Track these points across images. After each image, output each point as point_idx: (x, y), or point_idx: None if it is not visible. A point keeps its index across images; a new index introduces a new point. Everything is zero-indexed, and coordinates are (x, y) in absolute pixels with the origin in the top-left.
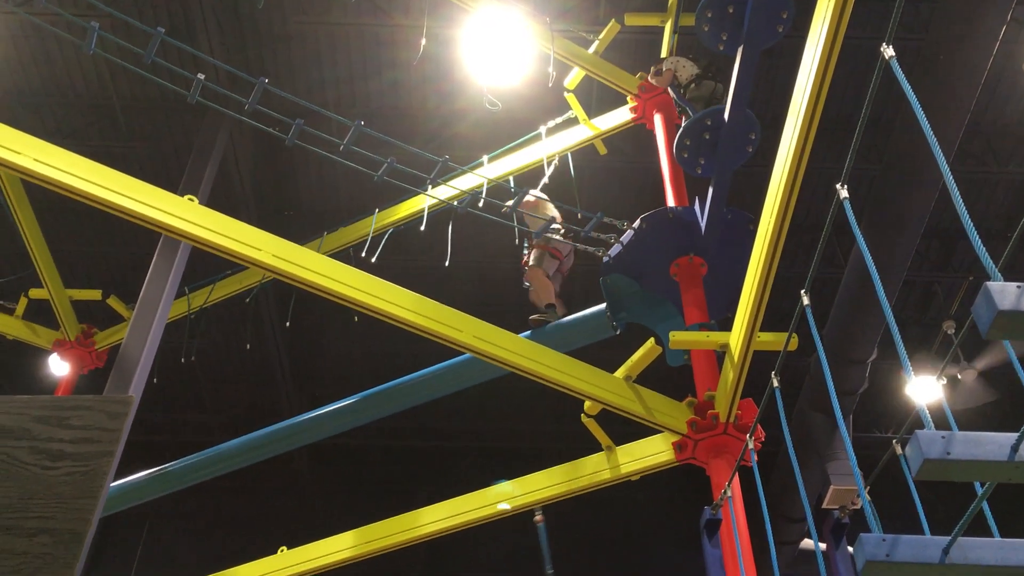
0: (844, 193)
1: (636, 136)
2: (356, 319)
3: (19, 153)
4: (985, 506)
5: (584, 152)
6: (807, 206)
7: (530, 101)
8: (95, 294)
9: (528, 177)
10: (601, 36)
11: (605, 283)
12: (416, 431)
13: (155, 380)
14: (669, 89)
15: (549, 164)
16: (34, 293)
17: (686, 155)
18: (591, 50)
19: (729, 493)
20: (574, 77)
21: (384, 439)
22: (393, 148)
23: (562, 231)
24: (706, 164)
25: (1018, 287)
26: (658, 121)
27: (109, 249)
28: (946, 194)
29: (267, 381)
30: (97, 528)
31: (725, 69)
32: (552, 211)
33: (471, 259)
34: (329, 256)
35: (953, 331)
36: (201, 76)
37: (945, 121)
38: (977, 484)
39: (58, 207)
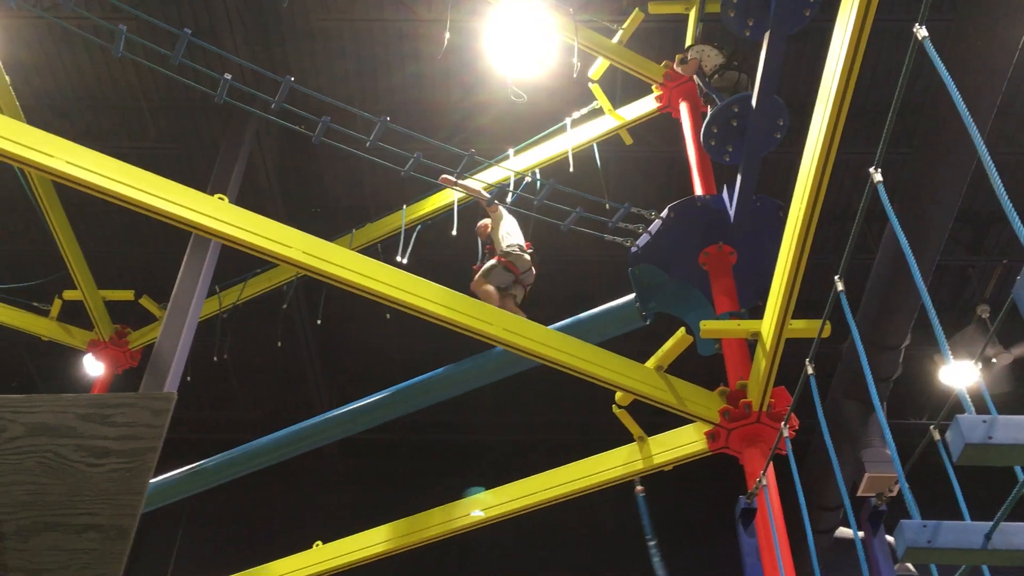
0: (878, 177)
1: (662, 125)
2: (388, 316)
3: (52, 156)
4: None
5: (610, 143)
6: (834, 193)
7: (552, 93)
8: (128, 294)
9: (552, 169)
10: (625, 25)
11: (634, 273)
12: (448, 425)
13: (188, 378)
14: (695, 77)
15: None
16: (68, 295)
17: (714, 143)
18: (615, 40)
19: (764, 482)
20: (599, 67)
21: (416, 433)
22: (418, 143)
23: (527, 253)
24: (734, 151)
25: None
26: (684, 109)
27: (139, 249)
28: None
29: (298, 378)
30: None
31: (750, 58)
32: (507, 224)
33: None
34: (358, 252)
35: (988, 315)
36: (228, 76)
37: (977, 103)
38: (1018, 469)
39: (89, 209)
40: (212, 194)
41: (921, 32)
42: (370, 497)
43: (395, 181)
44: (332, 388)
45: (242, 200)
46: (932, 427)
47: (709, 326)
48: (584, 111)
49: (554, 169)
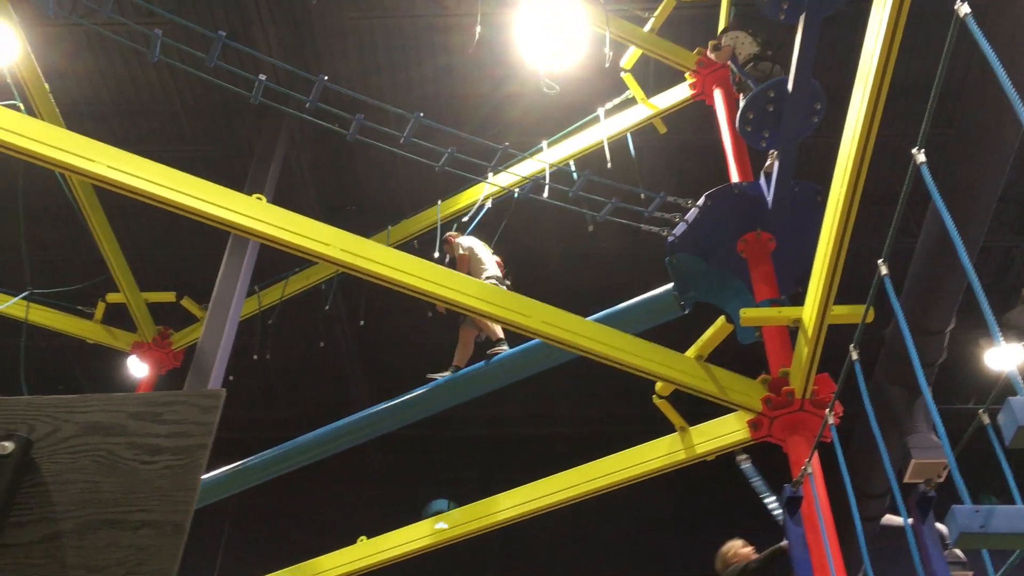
0: (921, 158)
1: (696, 113)
2: (430, 314)
3: (93, 161)
4: None
5: (642, 132)
6: (873, 176)
7: (582, 85)
8: (169, 296)
9: (585, 161)
10: (656, 13)
11: (671, 263)
12: (487, 419)
13: (231, 378)
14: (729, 63)
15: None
16: (111, 297)
17: (750, 129)
18: (647, 28)
19: (810, 470)
20: (630, 56)
21: (455, 429)
22: (452, 137)
23: (504, 284)
24: (770, 137)
25: None
26: (718, 97)
27: (178, 251)
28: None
29: (338, 375)
30: None
31: (784, 46)
32: (477, 254)
33: (521, 244)
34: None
35: None
36: (262, 77)
37: (1019, 79)
38: None
39: (128, 212)
40: (250, 194)
41: (964, 8)
42: (410, 492)
43: (428, 177)
44: (372, 384)
45: (278, 200)
46: (981, 411)
47: (749, 314)
48: (617, 101)
49: (587, 160)
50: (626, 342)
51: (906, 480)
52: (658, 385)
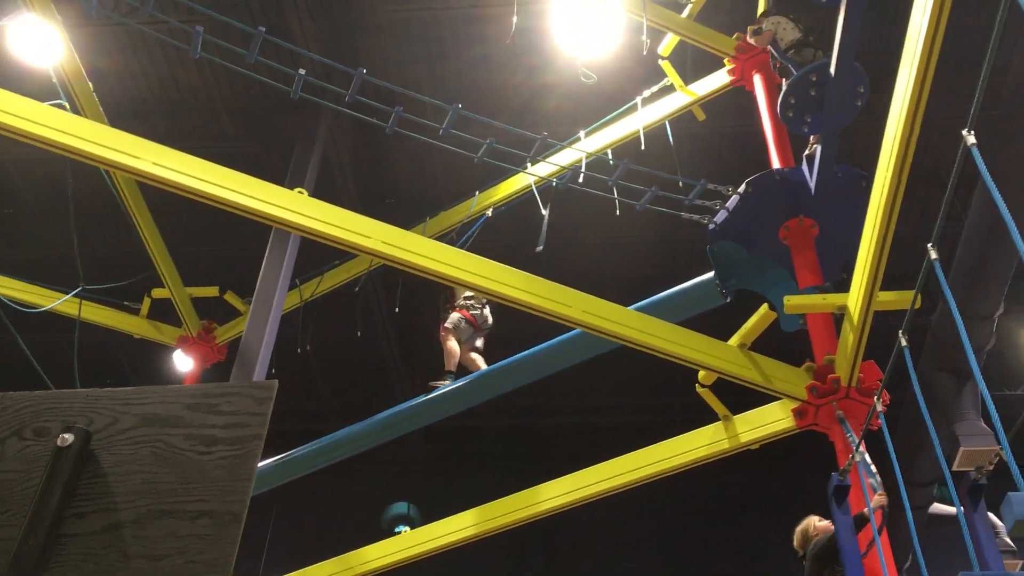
0: (971, 139)
1: (735, 100)
2: None
3: (138, 158)
4: None
5: (681, 120)
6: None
7: (617, 74)
8: (212, 291)
9: (623, 150)
10: None
11: (712, 251)
12: (527, 409)
13: (273, 371)
14: (770, 47)
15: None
16: (156, 293)
17: (791, 114)
18: (684, 14)
19: (858, 458)
20: (668, 43)
21: (497, 418)
22: (489, 128)
23: (485, 307)
24: (812, 122)
25: None
26: (758, 82)
27: (220, 246)
28: None
29: (379, 367)
30: None
31: (826, 32)
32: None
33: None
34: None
35: None
36: (302, 71)
37: None
38: None
39: (172, 208)
40: (291, 189)
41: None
42: (452, 483)
43: (465, 168)
44: (414, 376)
45: (317, 194)
46: None
47: (794, 301)
48: (655, 89)
49: (624, 150)
50: (669, 331)
51: (954, 468)
52: (701, 374)
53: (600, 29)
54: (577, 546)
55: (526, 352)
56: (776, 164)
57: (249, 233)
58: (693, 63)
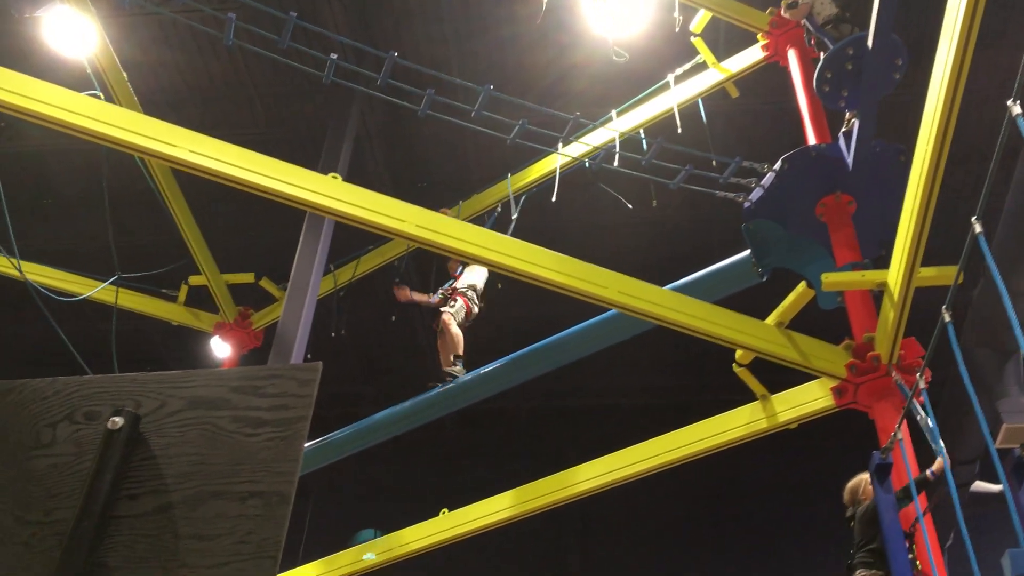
0: (1017, 109)
1: (768, 76)
2: (500, 285)
3: (175, 146)
4: None
5: (714, 97)
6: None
7: (647, 54)
8: (248, 277)
9: (656, 128)
10: None
11: (748, 229)
12: (562, 391)
13: (309, 355)
14: (806, 21)
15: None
16: (194, 280)
17: (827, 88)
18: None
19: (900, 435)
20: (700, 20)
21: (532, 400)
22: (521, 109)
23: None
24: (849, 96)
25: None
26: (793, 57)
27: (254, 233)
28: None
29: (413, 351)
30: None
31: (863, 10)
32: (479, 273)
33: (590, 215)
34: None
35: None
36: (334, 56)
37: None
38: None
39: (206, 196)
40: (324, 174)
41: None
42: (489, 466)
43: (497, 150)
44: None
45: (350, 178)
46: None
47: (832, 278)
48: (687, 66)
49: (657, 129)
50: (705, 310)
51: (997, 445)
52: (738, 353)
53: (630, 6)
54: (615, 528)
55: (560, 334)
56: (812, 140)
57: (283, 220)
58: (726, 40)
